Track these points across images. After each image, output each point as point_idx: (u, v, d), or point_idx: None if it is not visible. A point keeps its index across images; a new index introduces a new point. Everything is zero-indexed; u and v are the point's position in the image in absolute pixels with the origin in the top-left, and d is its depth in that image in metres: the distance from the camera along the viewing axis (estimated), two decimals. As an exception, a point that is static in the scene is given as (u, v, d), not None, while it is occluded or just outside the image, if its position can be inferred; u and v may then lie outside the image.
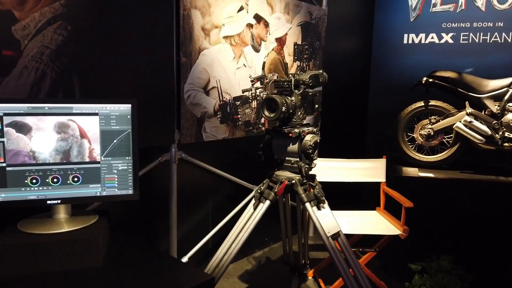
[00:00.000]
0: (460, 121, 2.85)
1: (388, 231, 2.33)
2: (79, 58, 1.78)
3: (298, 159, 1.96)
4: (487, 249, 2.62)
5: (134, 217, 2.22)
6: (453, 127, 2.88)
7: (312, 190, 1.96)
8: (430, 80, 3.04)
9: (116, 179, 1.46)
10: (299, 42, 2.95)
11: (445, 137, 3.05)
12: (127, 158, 1.47)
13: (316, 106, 2.10)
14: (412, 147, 3.13)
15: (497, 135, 2.78)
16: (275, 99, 1.87)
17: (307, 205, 1.92)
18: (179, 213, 2.38)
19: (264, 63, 2.70)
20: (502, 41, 3.33)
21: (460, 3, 3.40)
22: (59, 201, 1.40)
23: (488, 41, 3.36)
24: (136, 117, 1.48)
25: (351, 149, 3.61)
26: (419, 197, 2.67)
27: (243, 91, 2.59)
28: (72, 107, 1.41)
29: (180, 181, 2.34)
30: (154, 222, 2.34)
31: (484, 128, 2.79)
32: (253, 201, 2.02)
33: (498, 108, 2.83)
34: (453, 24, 3.42)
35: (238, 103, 2.56)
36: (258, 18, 2.60)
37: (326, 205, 1.99)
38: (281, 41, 2.80)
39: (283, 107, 1.88)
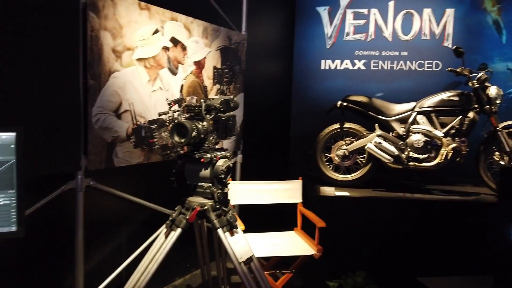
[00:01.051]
0: (371, 142, 3.05)
1: (302, 252, 2.38)
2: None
3: (210, 184, 1.94)
4: (397, 263, 2.78)
5: (33, 253, 2.02)
6: (365, 147, 3.07)
7: (225, 216, 1.94)
8: (344, 104, 3.24)
9: (-4, 215, 1.32)
10: (219, 66, 2.97)
11: (359, 157, 3.24)
12: (9, 191, 1.33)
13: (231, 130, 2.11)
14: (330, 167, 3.27)
15: (403, 155, 3.01)
16: (184, 124, 1.85)
17: (219, 231, 1.89)
18: (89, 245, 2.22)
19: (182, 86, 2.68)
20: (407, 69, 3.66)
21: (370, 33, 3.69)
22: None
23: (395, 68, 3.67)
24: (23, 147, 1.36)
25: (275, 171, 3.68)
26: (336, 215, 2.78)
27: (160, 114, 2.53)
28: None
29: (89, 210, 2.19)
30: (59, 257, 2.15)
31: (392, 148, 3.01)
32: (164, 229, 1.95)
33: (404, 130, 3.07)
34: (364, 52, 3.69)
35: (154, 126, 2.49)
36: (175, 41, 2.58)
37: (239, 230, 1.98)
38: (200, 65, 2.80)
39: (193, 133, 1.86)
